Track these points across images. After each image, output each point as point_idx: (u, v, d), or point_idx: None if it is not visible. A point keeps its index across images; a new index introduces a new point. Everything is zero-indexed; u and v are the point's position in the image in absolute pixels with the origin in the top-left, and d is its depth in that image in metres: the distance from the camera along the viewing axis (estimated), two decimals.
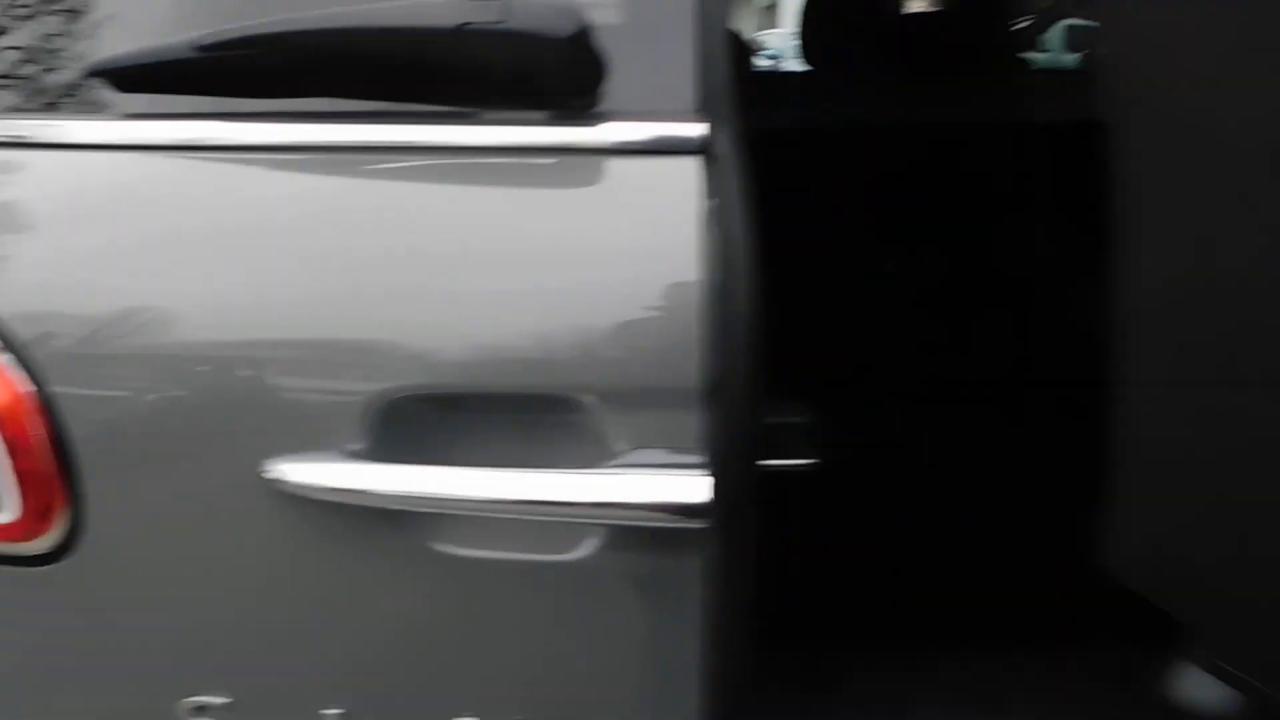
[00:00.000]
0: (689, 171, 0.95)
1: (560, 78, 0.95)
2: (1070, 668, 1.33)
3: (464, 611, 0.98)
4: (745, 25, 18.92)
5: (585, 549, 0.93)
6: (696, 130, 0.96)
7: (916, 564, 1.84)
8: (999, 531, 1.94)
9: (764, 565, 1.02)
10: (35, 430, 0.94)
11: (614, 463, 0.91)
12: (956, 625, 1.57)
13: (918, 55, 2.20)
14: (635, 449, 0.91)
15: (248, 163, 1.01)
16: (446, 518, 0.94)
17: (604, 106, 0.98)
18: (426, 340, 0.94)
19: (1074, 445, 2.02)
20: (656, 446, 0.91)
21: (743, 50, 2.06)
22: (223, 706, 0.99)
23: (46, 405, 0.94)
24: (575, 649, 0.98)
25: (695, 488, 0.88)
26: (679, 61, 0.99)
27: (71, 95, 1.06)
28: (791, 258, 2.01)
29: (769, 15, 17.88)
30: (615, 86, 0.98)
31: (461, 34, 0.90)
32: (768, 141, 1.79)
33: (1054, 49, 8.45)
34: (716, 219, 0.94)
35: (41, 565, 0.98)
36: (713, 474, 0.90)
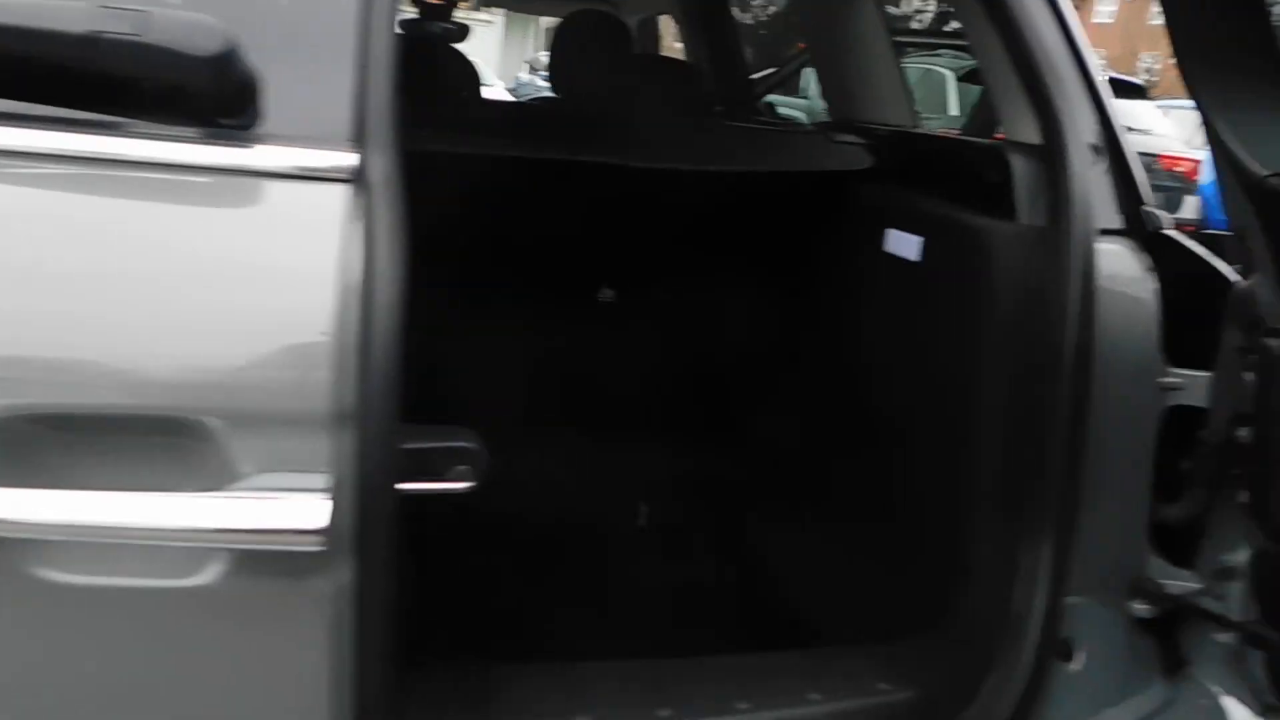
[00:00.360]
0: (335, 199, 0.95)
1: (203, 96, 0.93)
2: (715, 673, 1.43)
3: (80, 641, 0.93)
4: (527, 46, 19.00)
5: (209, 574, 0.91)
6: (347, 158, 0.97)
7: (562, 582, 1.91)
8: (647, 551, 2.06)
9: (408, 585, 1.03)
10: None
11: (237, 487, 0.90)
12: (598, 639, 1.65)
13: (652, 96, 2.30)
14: (260, 473, 0.90)
15: None
16: (59, 544, 0.89)
17: (253, 128, 0.97)
18: (41, 358, 0.89)
19: (733, 463, 2.17)
20: (282, 470, 0.91)
21: (470, 77, 2.08)
22: None
23: None
24: (202, 675, 0.95)
25: (315, 511, 0.89)
26: (335, 89, 0.99)
27: None
28: (501, 283, 2.06)
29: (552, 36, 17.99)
30: (267, 109, 0.97)
31: (92, 42, 0.87)
32: (490, 168, 1.83)
33: (812, 96, 9.08)
34: (362, 247, 0.95)
35: None
36: (339, 497, 0.91)
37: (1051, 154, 1.53)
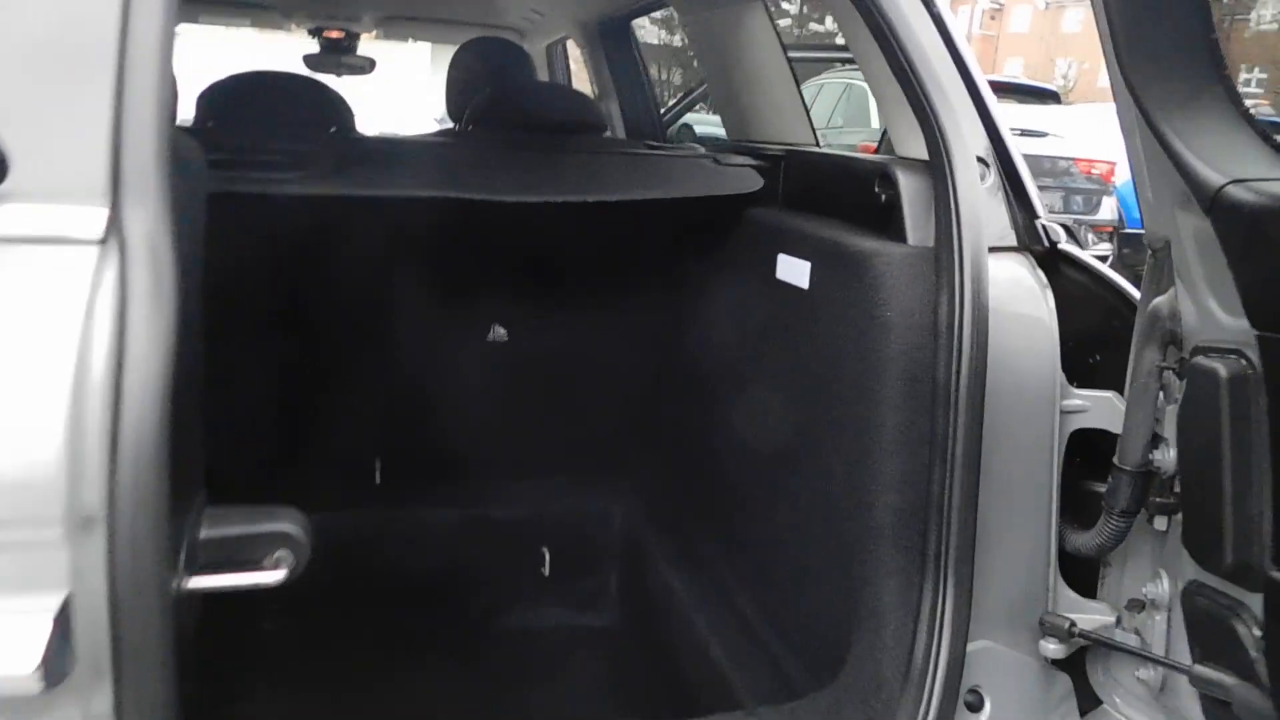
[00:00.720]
0: (77, 265, 0.80)
1: None
2: None
3: None
4: None
5: None
6: (94, 216, 0.81)
7: (456, 642, 1.78)
8: (548, 601, 1.92)
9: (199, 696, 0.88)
10: None
11: None
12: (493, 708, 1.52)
13: (544, 124, 2.16)
14: None
15: None
16: None
17: None
18: None
19: (633, 503, 2.04)
20: (6, 593, 0.74)
21: (340, 111, 1.92)
22: None
23: None
24: None
25: (28, 646, 0.72)
26: (85, 134, 0.84)
27: None
28: (383, 328, 1.90)
29: None
30: (11, 162, 0.81)
31: None
32: (351, 208, 1.68)
33: None
34: (113, 318, 0.79)
35: None
36: (85, 615, 0.75)
37: (938, 170, 1.42)
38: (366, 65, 3.65)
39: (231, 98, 1.81)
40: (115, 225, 0.82)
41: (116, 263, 0.81)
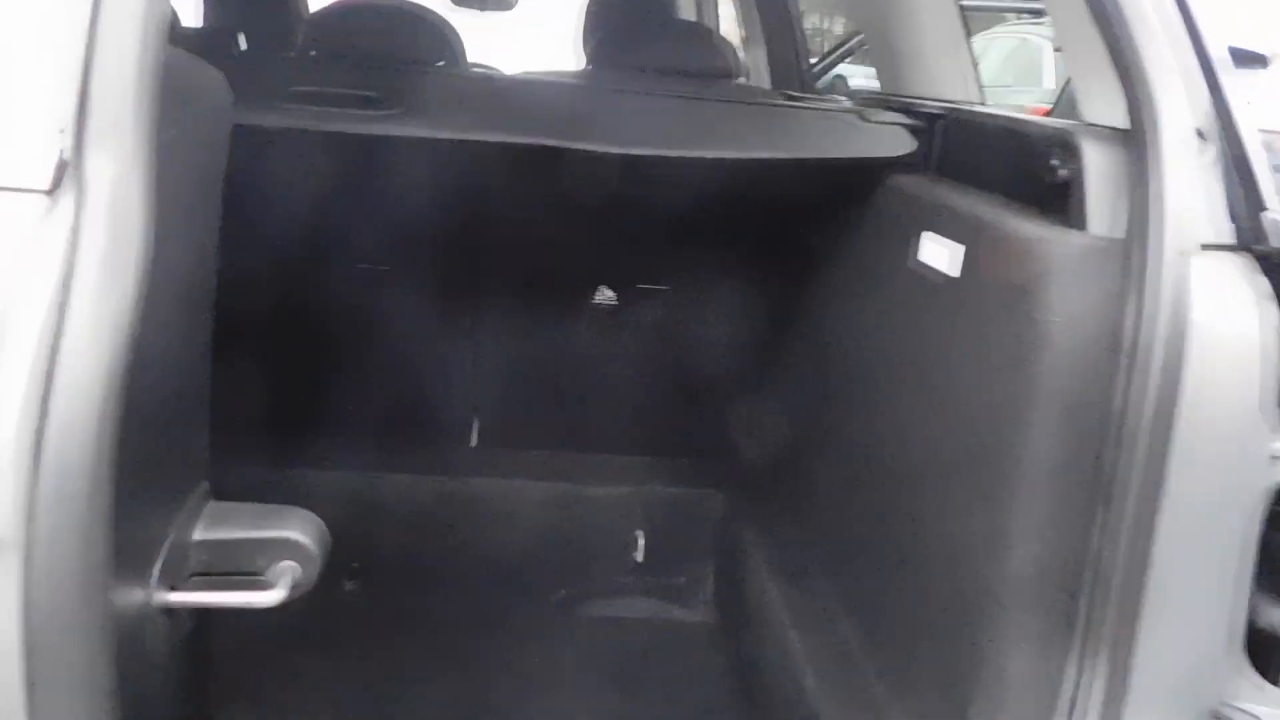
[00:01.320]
0: (17, 219, 0.63)
1: None
2: None
3: None
4: None
5: None
6: (40, 158, 0.64)
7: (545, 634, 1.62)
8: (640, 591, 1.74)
9: None
10: None
11: None
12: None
13: (674, 67, 1.92)
14: None
15: None
16: None
17: None
18: None
19: (736, 495, 1.83)
20: None
21: (449, 44, 1.73)
22: None
23: None
24: None
25: None
26: (42, 55, 0.66)
27: None
28: (481, 286, 1.73)
29: None
30: None
31: None
32: (454, 153, 1.49)
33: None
34: (57, 288, 0.62)
35: None
36: None
37: (1139, 142, 1.10)
38: (507, 1, 3.48)
39: (334, 26, 1.65)
40: (73, 171, 0.64)
41: (70, 219, 0.63)
